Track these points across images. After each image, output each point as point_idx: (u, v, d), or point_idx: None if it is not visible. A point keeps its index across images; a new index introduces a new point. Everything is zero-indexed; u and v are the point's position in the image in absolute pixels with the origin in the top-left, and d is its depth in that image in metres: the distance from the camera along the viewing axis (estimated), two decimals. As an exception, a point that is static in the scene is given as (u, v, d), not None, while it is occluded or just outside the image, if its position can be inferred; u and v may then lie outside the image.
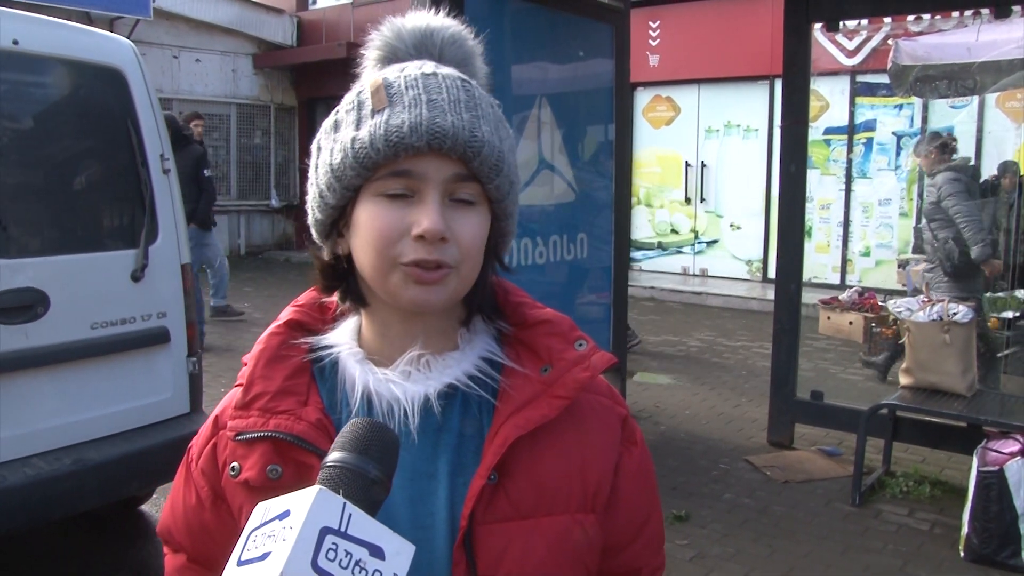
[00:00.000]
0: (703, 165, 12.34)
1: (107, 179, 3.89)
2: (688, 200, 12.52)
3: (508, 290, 1.09)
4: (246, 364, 1.05)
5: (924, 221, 6.84)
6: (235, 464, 1.01)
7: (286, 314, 1.09)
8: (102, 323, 3.64)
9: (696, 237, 12.52)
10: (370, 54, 1.04)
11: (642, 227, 12.81)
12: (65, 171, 3.75)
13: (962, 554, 3.98)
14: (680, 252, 12.71)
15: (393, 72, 0.97)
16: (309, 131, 16.99)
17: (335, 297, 1.07)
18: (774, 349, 5.72)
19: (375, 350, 1.04)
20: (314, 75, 16.33)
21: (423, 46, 1.02)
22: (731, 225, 12.19)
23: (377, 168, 0.93)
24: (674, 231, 12.74)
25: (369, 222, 0.94)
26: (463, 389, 1.01)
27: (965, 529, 3.99)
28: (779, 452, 5.46)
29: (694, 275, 12.53)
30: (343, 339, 1.05)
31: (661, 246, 12.86)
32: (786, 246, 5.67)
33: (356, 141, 0.94)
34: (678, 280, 12.33)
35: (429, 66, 0.98)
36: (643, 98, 12.73)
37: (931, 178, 6.61)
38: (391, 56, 1.03)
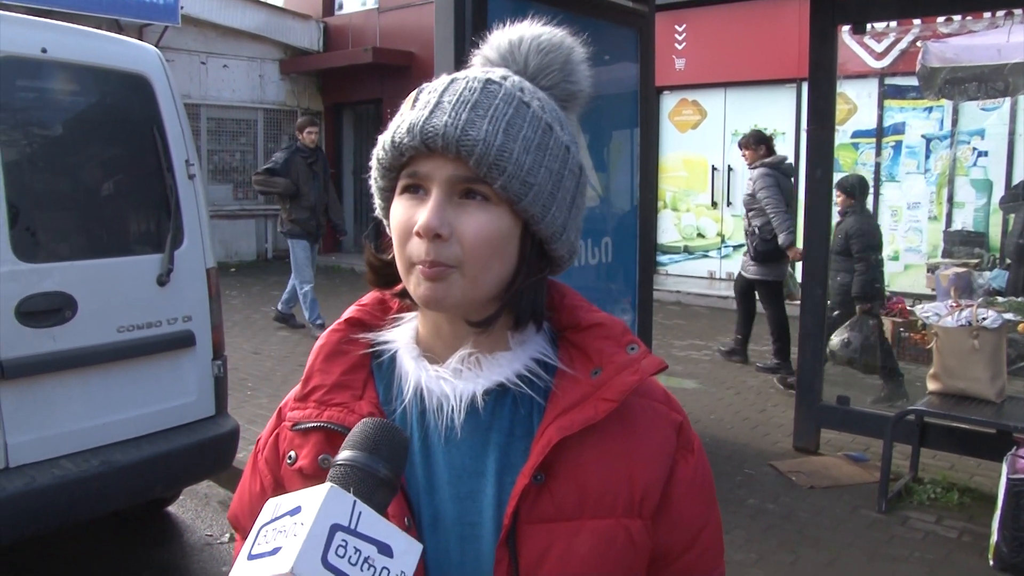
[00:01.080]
0: (729, 169, 12.26)
1: (133, 184, 3.93)
2: (715, 204, 12.45)
3: (564, 293, 1.10)
4: (309, 359, 1.10)
5: (743, 210, 7.81)
6: (292, 453, 1.06)
7: (348, 312, 1.13)
8: (128, 327, 3.69)
9: (723, 241, 12.44)
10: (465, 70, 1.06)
11: (668, 231, 12.75)
12: (92, 177, 3.80)
13: (991, 563, 3.91)
14: (707, 256, 12.64)
15: (438, 80, 1.01)
16: (335, 136, 17.12)
17: (395, 293, 1.10)
18: (800, 354, 5.67)
19: (430, 348, 1.06)
20: (340, 80, 16.42)
21: (509, 56, 1.04)
22: (758, 229, 12.10)
23: (395, 169, 0.99)
24: (700, 235, 12.68)
25: (392, 221, 0.99)
26: (513, 389, 1.02)
27: (995, 537, 3.93)
28: (804, 457, 5.42)
29: (720, 279, 12.45)
30: (401, 336, 1.09)
31: (687, 250, 12.80)
32: (812, 251, 5.63)
33: (379, 145, 1.00)
34: (704, 284, 12.26)
35: (478, 72, 1.00)
36: (669, 102, 12.69)
37: (750, 171, 7.51)
38: (485, 67, 1.05)
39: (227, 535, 4.56)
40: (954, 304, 4.93)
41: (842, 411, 5.46)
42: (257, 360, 8.13)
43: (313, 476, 1.01)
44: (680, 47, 12.31)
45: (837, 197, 6.46)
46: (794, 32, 10.50)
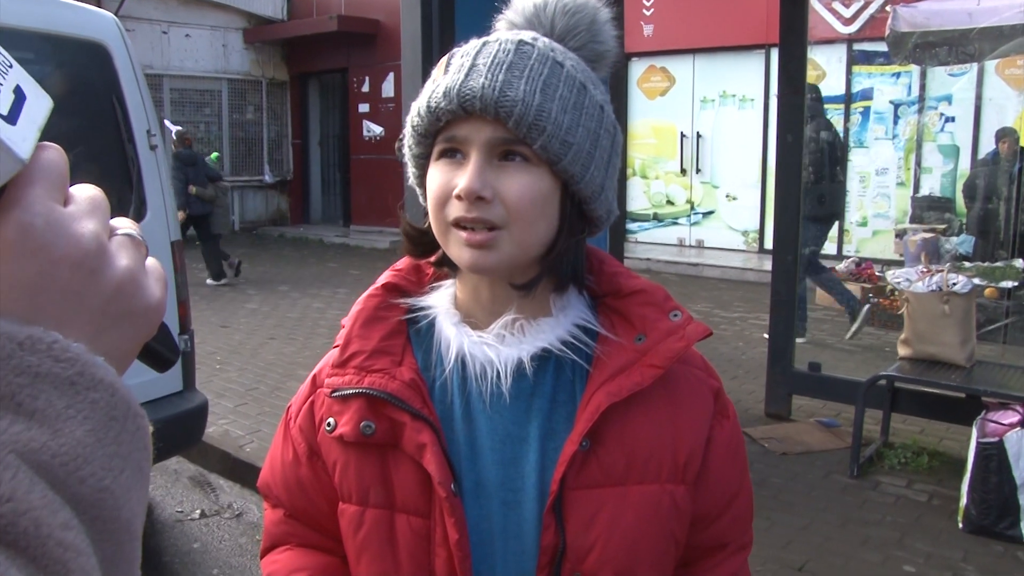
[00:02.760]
0: (698, 136, 12.25)
1: (93, 156, 3.82)
2: (684, 171, 12.44)
3: (603, 259, 1.10)
4: (344, 327, 1.08)
5: None
6: (331, 420, 1.04)
7: (384, 277, 1.11)
8: (91, 302, 3.59)
9: (692, 208, 12.45)
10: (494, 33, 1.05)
11: (637, 198, 12.74)
12: (50, 148, 3.68)
13: (960, 525, 3.97)
14: (676, 223, 12.65)
15: (469, 44, 0.99)
16: (301, 106, 16.90)
17: (432, 262, 1.09)
18: (771, 321, 5.69)
19: (470, 313, 1.06)
20: (305, 49, 16.18)
21: (535, 19, 1.03)
22: (727, 196, 12.13)
23: (430, 135, 0.98)
24: (670, 202, 12.67)
25: (429, 186, 0.98)
26: (556, 355, 1.02)
27: (964, 500, 3.98)
28: (777, 424, 5.44)
29: (690, 246, 12.47)
30: (440, 302, 1.08)
31: (657, 217, 12.80)
32: (783, 217, 5.62)
33: (412, 111, 0.98)
34: (674, 251, 12.29)
35: (508, 34, 0.99)
36: (637, 68, 12.62)
37: None
38: (511, 30, 1.03)
39: (197, 511, 4.51)
40: (924, 270, 4.96)
41: (814, 377, 5.48)
42: (226, 334, 8.04)
43: (355, 443, 1.02)
44: (648, 13, 12.23)
45: None
46: (763, -3, 10.48)
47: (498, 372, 1.00)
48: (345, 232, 15.37)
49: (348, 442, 1.02)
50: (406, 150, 1.03)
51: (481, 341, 1.02)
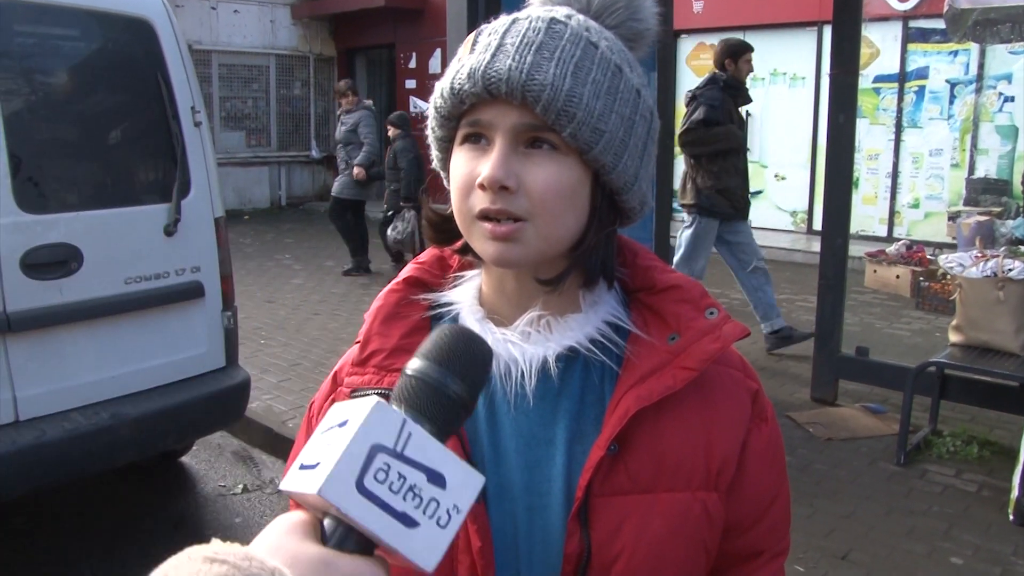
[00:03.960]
0: (747, 114, 12.03)
1: (138, 133, 3.85)
2: (732, 150, 12.26)
3: (637, 252, 1.04)
4: (365, 321, 1.04)
5: (339, 145, 9.91)
6: None
7: (406, 271, 1.07)
8: (136, 278, 3.64)
9: (739, 188, 12.27)
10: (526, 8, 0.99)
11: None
12: (96, 125, 3.71)
13: (1011, 518, 3.87)
14: (723, 203, 12.47)
15: (498, 21, 0.94)
16: (348, 82, 16.89)
17: (455, 249, 1.04)
18: (819, 304, 5.59)
19: (495, 309, 1.01)
20: (353, 24, 16.19)
21: None
22: (776, 176, 11.93)
23: (454, 118, 0.92)
24: (717, 182, 12.50)
25: (453, 174, 0.93)
26: (584, 353, 0.97)
27: (1015, 492, 3.87)
28: (822, 408, 5.36)
29: (737, 227, 12.30)
30: (464, 297, 1.03)
31: (704, 197, 12.63)
32: (833, 199, 5.51)
33: (436, 91, 0.93)
34: (721, 232, 12.11)
35: (540, 11, 0.93)
36: (686, 46, 12.43)
37: (349, 115, 9.74)
38: (545, 5, 0.98)
39: (240, 486, 4.56)
40: (979, 255, 4.82)
41: (861, 362, 5.38)
42: (271, 309, 8.11)
43: None
44: (698, -11, 12.02)
45: (389, 130, 9.69)
46: (816, -27, 10.24)
47: (523, 372, 0.95)
48: (390, 208, 15.40)
49: None
50: (429, 132, 0.98)
51: (505, 339, 0.97)
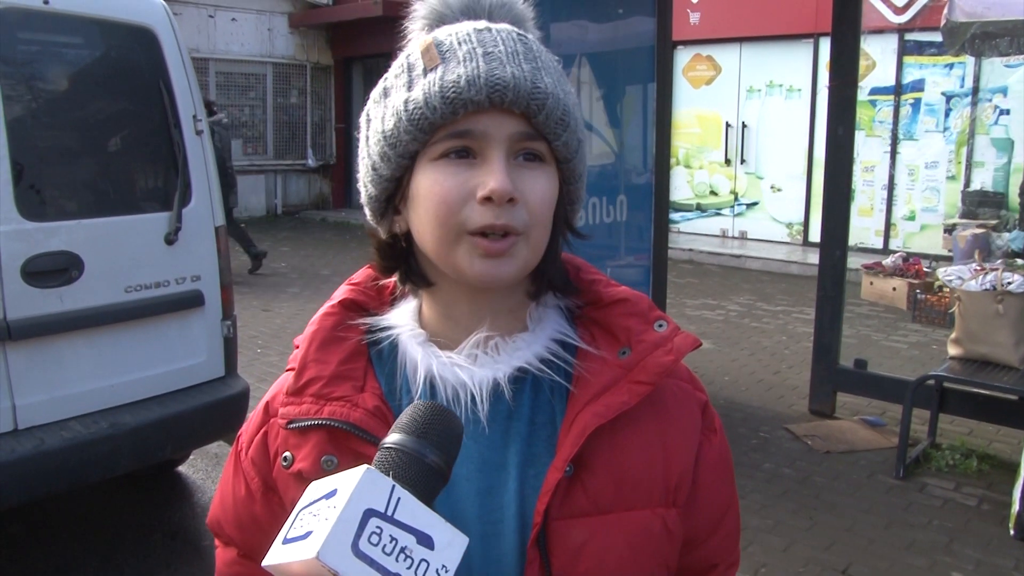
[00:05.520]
0: (744, 126, 12.09)
1: (140, 141, 3.84)
2: (728, 161, 12.30)
3: (579, 266, 1.02)
4: (298, 347, 0.98)
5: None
6: (288, 454, 0.94)
7: (340, 293, 1.02)
8: (136, 286, 3.62)
9: (736, 199, 12.31)
10: (414, 24, 0.96)
11: (681, 188, 12.62)
12: (97, 133, 3.70)
13: (1012, 532, 3.87)
14: (719, 214, 12.52)
15: (443, 32, 0.90)
16: (345, 90, 16.95)
17: (393, 279, 1.01)
18: (817, 316, 5.59)
19: (438, 332, 0.97)
20: (350, 34, 16.21)
21: (470, 11, 0.94)
22: (772, 187, 11.97)
23: (435, 130, 0.86)
24: (713, 192, 12.54)
25: (430, 189, 0.87)
26: (534, 373, 0.94)
27: (1016, 506, 3.87)
28: (820, 421, 5.36)
29: (733, 237, 12.34)
30: (403, 320, 0.99)
31: (700, 208, 12.68)
32: (831, 211, 5.52)
33: (409, 103, 0.86)
34: (717, 242, 12.16)
35: (481, 23, 0.91)
36: (683, 57, 12.48)
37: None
38: (438, 23, 0.95)
39: (238, 495, 4.54)
40: (977, 268, 4.84)
41: (859, 375, 5.38)
42: (267, 317, 8.09)
43: (315, 479, 0.88)
44: (695, 1, 12.07)
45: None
46: (813, -14, 10.28)
47: (472, 396, 0.92)
48: (386, 217, 15.41)
49: (308, 478, 0.87)
50: (382, 148, 0.90)
51: (452, 362, 0.93)
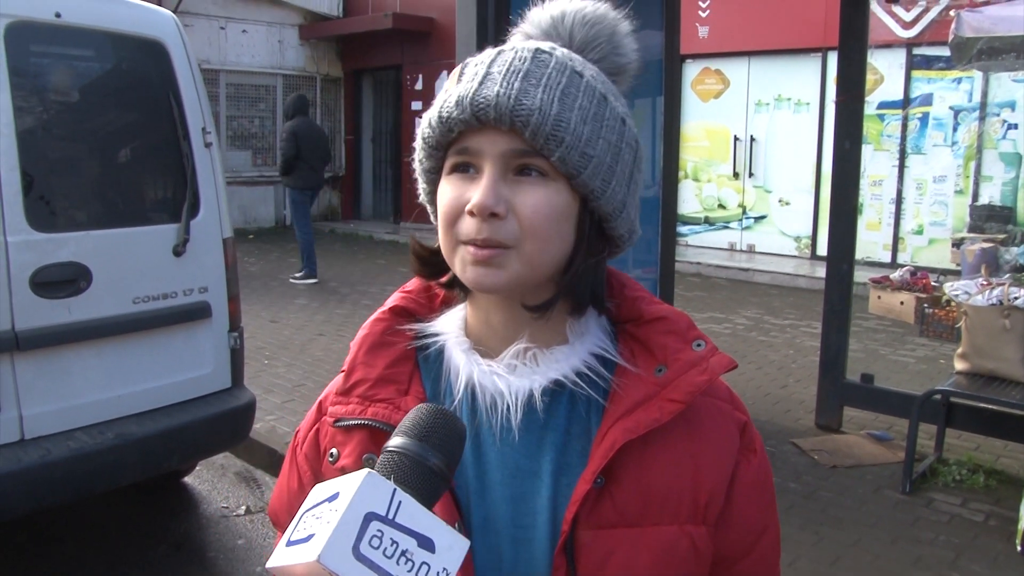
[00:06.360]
0: (752, 139, 12.10)
1: (149, 153, 3.87)
2: (736, 175, 12.30)
3: (624, 283, 1.04)
4: (351, 349, 1.04)
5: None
6: (334, 450, 1.00)
7: (392, 300, 1.07)
8: (144, 298, 3.64)
9: (744, 212, 12.30)
10: (508, 42, 1.00)
11: (689, 201, 12.61)
12: (107, 145, 3.73)
13: (1019, 548, 3.85)
14: (727, 227, 12.51)
15: (483, 53, 0.95)
16: (355, 102, 17.00)
17: (443, 283, 1.05)
18: (824, 330, 5.58)
19: (481, 340, 1.00)
20: (360, 46, 16.28)
21: (553, 30, 0.99)
22: (780, 200, 11.96)
23: (441, 147, 0.93)
24: (721, 206, 12.54)
25: (439, 201, 0.93)
26: (571, 387, 0.96)
27: (1023, 522, 3.86)
28: (827, 435, 5.34)
29: (741, 251, 12.33)
30: (450, 327, 1.03)
31: (708, 221, 12.67)
32: (839, 225, 5.51)
33: (424, 122, 0.94)
34: (724, 256, 12.14)
35: (524, 43, 0.94)
36: (691, 70, 12.50)
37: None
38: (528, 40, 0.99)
39: (243, 507, 4.55)
40: (984, 282, 4.83)
41: (866, 389, 5.37)
42: (275, 328, 8.11)
43: None
44: (704, 15, 12.10)
45: None
46: (820, 1, 10.30)
47: (508, 405, 0.95)
48: (395, 229, 15.43)
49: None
50: (416, 164, 0.98)
51: (491, 371, 0.97)
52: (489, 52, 0.94)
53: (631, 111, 0.99)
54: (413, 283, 1.08)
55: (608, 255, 0.99)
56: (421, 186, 1.00)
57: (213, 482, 4.88)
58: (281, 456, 4.95)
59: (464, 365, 0.98)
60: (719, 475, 0.97)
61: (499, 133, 0.88)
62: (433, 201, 0.98)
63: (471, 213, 0.88)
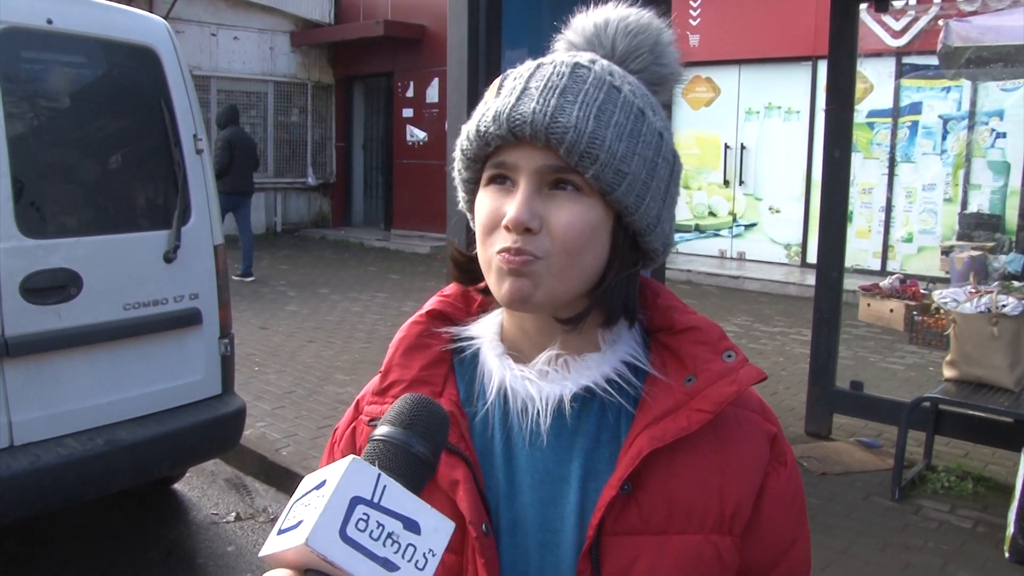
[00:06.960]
0: (742, 147, 12.15)
1: (140, 159, 3.87)
2: (727, 182, 12.34)
3: (658, 292, 1.04)
4: (389, 351, 1.06)
5: None
6: None
7: (430, 304, 1.08)
8: (135, 304, 3.63)
9: (734, 220, 12.35)
10: (552, 52, 1.01)
11: (680, 209, 12.52)
12: (98, 151, 3.73)
13: (1007, 555, 3.87)
14: (718, 235, 12.55)
15: (523, 66, 0.96)
16: (346, 109, 17.01)
17: (479, 289, 1.06)
18: (813, 338, 5.61)
19: (515, 346, 1.02)
20: (351, 53, 16.30)
21: (596, 39, 1.00)
22: (770, 208, 12.01)
23: (479, 160, 0.95)
24: (712, 214, 12.58)
25: (477, 213, 0.95)
26: (601, 394, 0.97)
27: (1011, 529, 3.88)
28: (816, 443, 5.36)
29: (731, 259, 12.37)
30: (486, 331, 1.04)
31: (698, 229, 12.71)
32: (828, 233, 5.55)
33: (462, 134, 0.95)
34: (715, 263, 12.18)
35: (565, 56, 0.95)
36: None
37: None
38: (570, 51, 1.00)
39: (233, 514, 4.54)
40: (973, 290, 4.85)
41: (855, 396, 5.39)
42: (265, 335, 8.10)
43: None
44: (694, 23, 12.15)
45: None
46: (810, 9, 10.37)
47: (539, 410, 0.97)
48: (386, 236, 15.44)
49: None
50: (455, 174, 1.00)
51: (523, 376, 0.98)
52: (528, 65, 0.95)
53: (669, 124, 1.00)
54: (451, 288, 1.10)
55: (642, 267, 1.00)
56: (460, 195, 1.02)
57: (203, 488, 4.87)
58: (271, 463, 4.95)
59: (497, 369, 1.00)
60: (746, 485, 0.97)
61: (535, 148, 0.90)
62: (472, 209, 0.99)
63: (507, 228, 0.90)
